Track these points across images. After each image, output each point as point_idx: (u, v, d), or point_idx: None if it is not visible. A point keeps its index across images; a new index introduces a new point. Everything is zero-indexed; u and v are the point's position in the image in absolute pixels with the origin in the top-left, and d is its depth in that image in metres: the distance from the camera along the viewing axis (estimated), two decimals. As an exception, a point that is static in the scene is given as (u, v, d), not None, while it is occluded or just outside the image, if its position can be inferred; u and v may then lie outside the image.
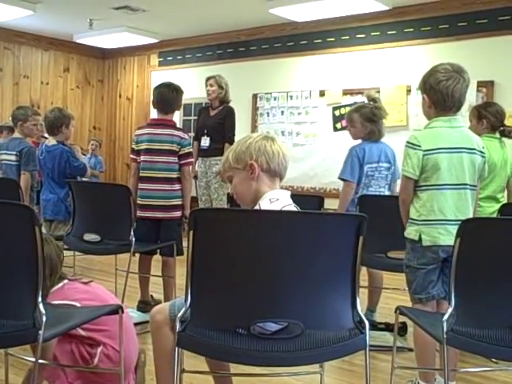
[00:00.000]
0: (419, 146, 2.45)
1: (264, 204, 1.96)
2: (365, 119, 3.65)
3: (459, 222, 2.37)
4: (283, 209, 1.94)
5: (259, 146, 2.01)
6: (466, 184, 2.48)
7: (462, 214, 2.44)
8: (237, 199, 2.10)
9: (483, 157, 2.52)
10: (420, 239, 2.47)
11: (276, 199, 1.96)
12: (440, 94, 2.45)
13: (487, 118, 3.48)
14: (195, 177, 5.40)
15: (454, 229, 2.37)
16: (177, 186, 3.82)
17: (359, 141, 3.73)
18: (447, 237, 2.41)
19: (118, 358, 2.16)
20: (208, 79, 5.46)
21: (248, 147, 2.02)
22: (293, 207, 1.98)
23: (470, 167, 2.48)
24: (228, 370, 2.20)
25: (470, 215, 2.48)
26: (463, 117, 2.66)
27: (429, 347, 2.44)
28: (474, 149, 2.49)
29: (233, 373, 2.22)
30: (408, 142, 2.49)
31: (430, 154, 2.44)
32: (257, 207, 1.97)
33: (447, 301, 2.38)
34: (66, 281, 2.36)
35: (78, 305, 2.25)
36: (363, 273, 3.79)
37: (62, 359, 2.25)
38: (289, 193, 2.04)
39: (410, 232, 2.52)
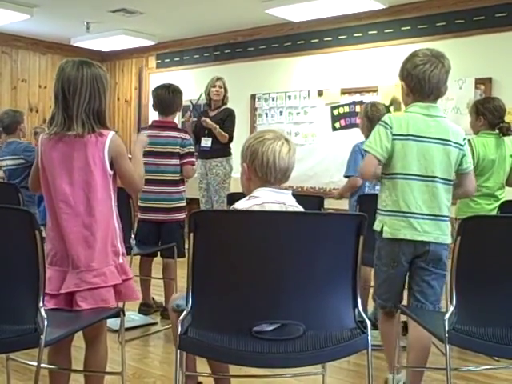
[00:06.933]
0: (391, 128, 2.32)
1: (240, 202, 1.91)
2: (367, 120, 3.68)
3: (424, 217, 2.31)
4: (262, 206, 1.87)
5: (255, 150, 1.93)
6: (436, 177, 2.34)
7: (428, 208, 2.33)
8: None
9: (461, 150, 2.38)
10: (382, 231, 2.36)
11: (255, 197, 1.91)
12: (417, 79, 2.33)
13: (484, 115, 3.45)
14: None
15: (417, 223, 2.32)
16: (181, 188, 3.81)
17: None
18: (408, 230, 2.31)
19: None
20: (217, 80, 5.42)
21: (247, 148, 1.97)
22: (275, 206, 1.89)
23: (443, 159, 2.34)
24: (227, 371, 2.20)
25: (441, 211, 2.35)
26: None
27: (390, 337, 2.45)
28: (448, 140, 2.35)
29: (234, 374, 2.22)
30: (382, 121, 2.37)
31: (398, 139, 2.32)
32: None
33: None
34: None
35: None
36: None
37: None
38: (278, 192, 1.93)
39: (376, 223, 2.40)
